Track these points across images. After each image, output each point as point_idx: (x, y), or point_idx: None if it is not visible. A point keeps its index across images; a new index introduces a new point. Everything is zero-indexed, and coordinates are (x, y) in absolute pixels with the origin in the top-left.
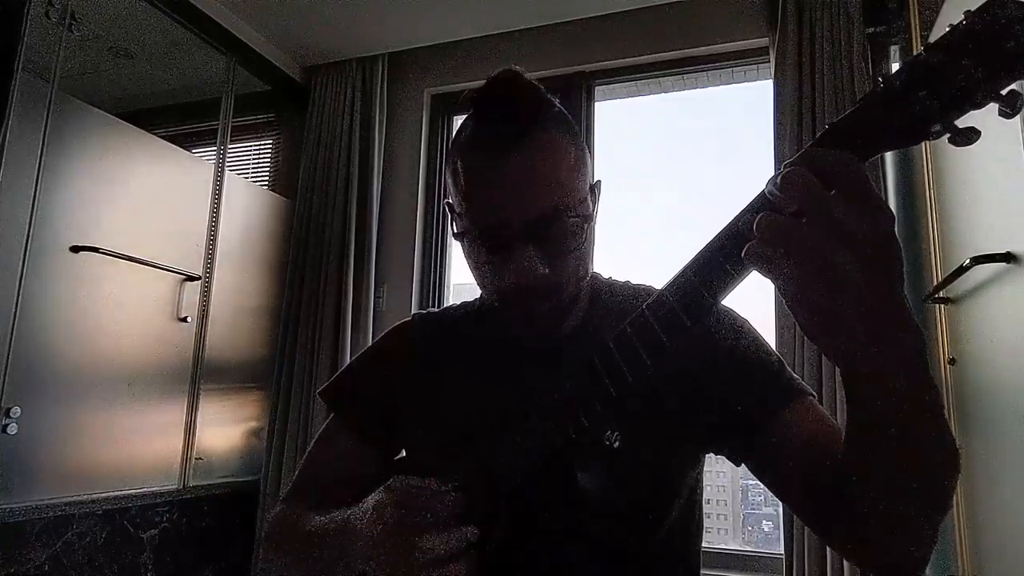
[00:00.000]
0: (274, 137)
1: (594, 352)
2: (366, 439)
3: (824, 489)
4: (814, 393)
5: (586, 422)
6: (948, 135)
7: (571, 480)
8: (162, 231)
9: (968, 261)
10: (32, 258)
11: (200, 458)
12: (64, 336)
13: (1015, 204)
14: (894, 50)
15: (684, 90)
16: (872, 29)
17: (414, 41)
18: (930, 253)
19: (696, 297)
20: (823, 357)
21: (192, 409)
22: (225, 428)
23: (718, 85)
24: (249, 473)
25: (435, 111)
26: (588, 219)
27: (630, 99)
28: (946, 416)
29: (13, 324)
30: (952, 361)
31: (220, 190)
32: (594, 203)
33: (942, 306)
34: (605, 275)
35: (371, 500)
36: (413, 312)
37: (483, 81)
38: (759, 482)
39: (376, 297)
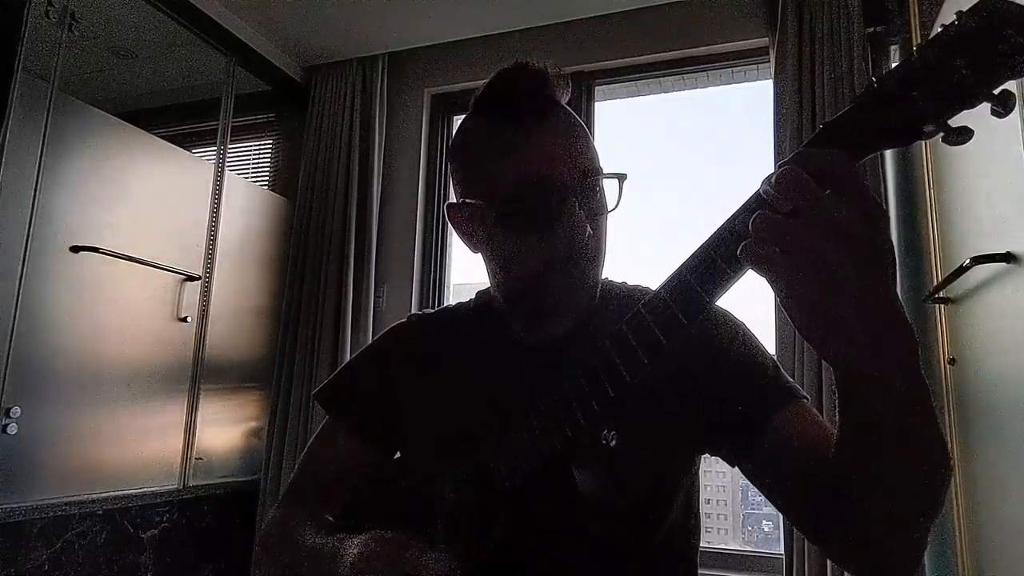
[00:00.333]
0: (274, 137)
1: (592, 351)
2: (364, 439)
3: (819, 491)
4: (808, 397)
5: (584, 422)
6: (941, 134)
7: (569, 480)
8: (162, 231)
9: (968, 261)
10: (32, 258)
11: (200, 458)
12: (64, 336)
13: (1015, 204)
14: (894, 50)
15: (684, 90)
16: (872, 29)
17: (414, 41)
18: (930, 253)
19: (692, 296)
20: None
21: (192, 409)
22: (225, 428)
23: (718, 85)
24: (249, 473)
25: (435, 111)
26: (606, 204)
27: (630, 99)
28: (937, 416)
29: (13, 324)
30: (952, 361)
31: (220, 190)
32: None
33: (942, 306)
34: (604, 276)
35: (357, 544)
36: (410, 313)
37: (483, 81)
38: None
39: (376, 297)
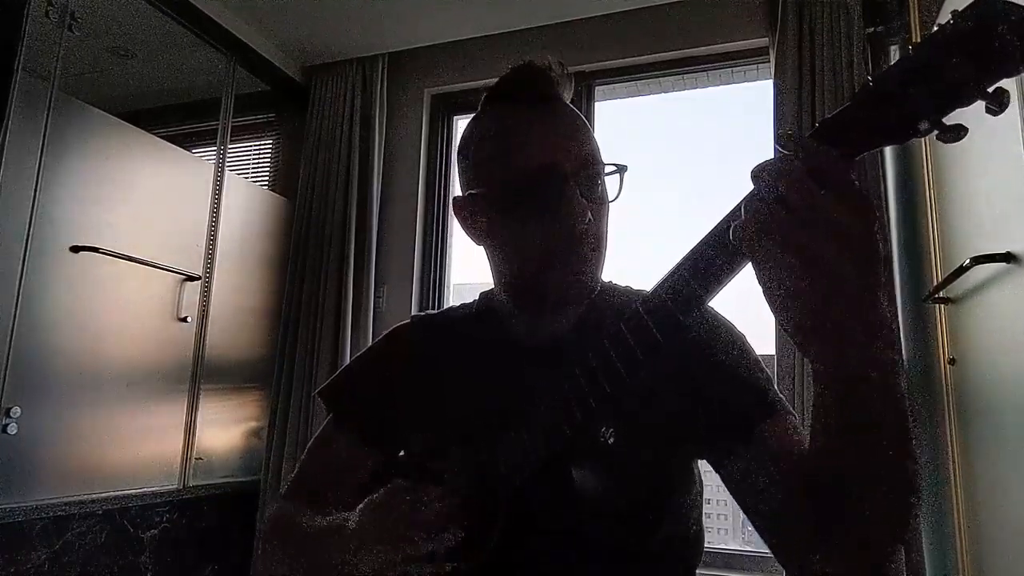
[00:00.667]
0: (274, 137)
1: (590, 350)
2: (365, 440)
3: (791, 508)
4: (796, 415)
5: (582, 421)
6: (936, 132)
7: (568, 480)
8: (162, 231)
9: (968, 261)
10: (32, 258)
11: (200, 458)
12: (64, 336)
13: (1015, 204)
14: (894, 50)
15: (684, 90)
16: (872, 29)
17: (414, 41)
18: (930, 253)
19: (688, 293)
20: None
21: (192, 409)
22: (225, 428)
23: (718, 85)
24: (249, 473)
25: (435, 111)
26: (607, 195)
27: (630, 99)
28: (911, 430)
29: (13, 324)
30: (952, 361)
31: (220, 190)
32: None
33: (942, 306)
34: (605, 279)
35: (369, 506)
36: (412, 314)
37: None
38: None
39: (376, 297)
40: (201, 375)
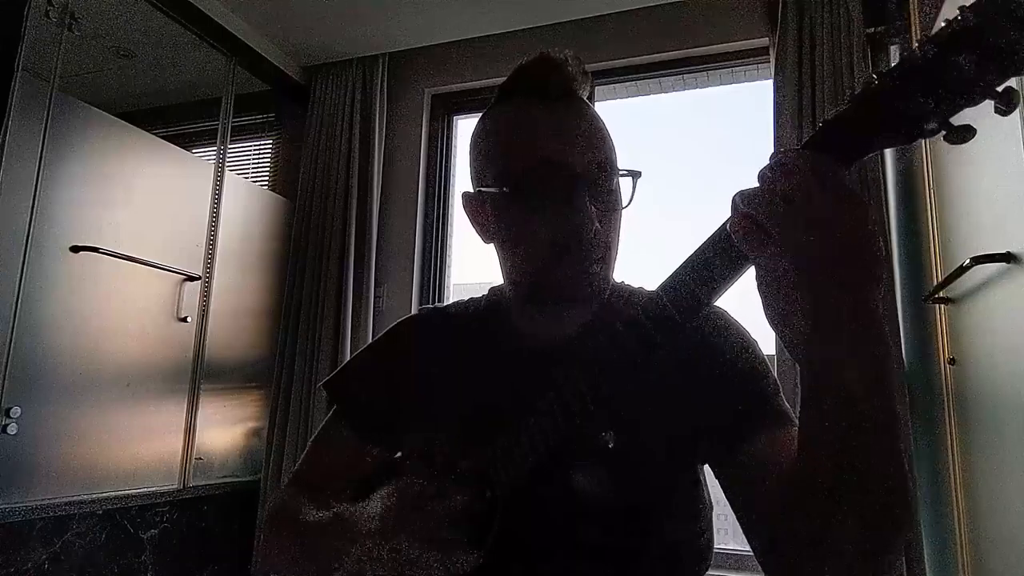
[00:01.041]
0: (274, 137)
1: (593, 351)
2: (367, 434)
3: (789, 516)
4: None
5: (582, 421)
6: (944, 133)
7: (567, 480)
8: (162, 231)
9: (968, 261)
10: (32, 258)
11: (200, 458)
12: (64, 336)
13: (1015, 204)
14: (894, 50)
15: (684, 90)
16: (872, 29)
17: (414, 41)
18: (930, 253)
19: (687, 294)
20: None
21: (192, 409)
22: (225, 428)
23: (718, 85)
24: (249, 473)
25: (435, 111)
26: (619, 201)
27: (630, 99)
28: (902, 442)
29: (13, 324)
30: (952, 361)
31: (220, 190)
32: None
33: (942, 306)
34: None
35: (376, 499)
36: (419, 307)
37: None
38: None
39: (376, 297)
40: (201, 375)
